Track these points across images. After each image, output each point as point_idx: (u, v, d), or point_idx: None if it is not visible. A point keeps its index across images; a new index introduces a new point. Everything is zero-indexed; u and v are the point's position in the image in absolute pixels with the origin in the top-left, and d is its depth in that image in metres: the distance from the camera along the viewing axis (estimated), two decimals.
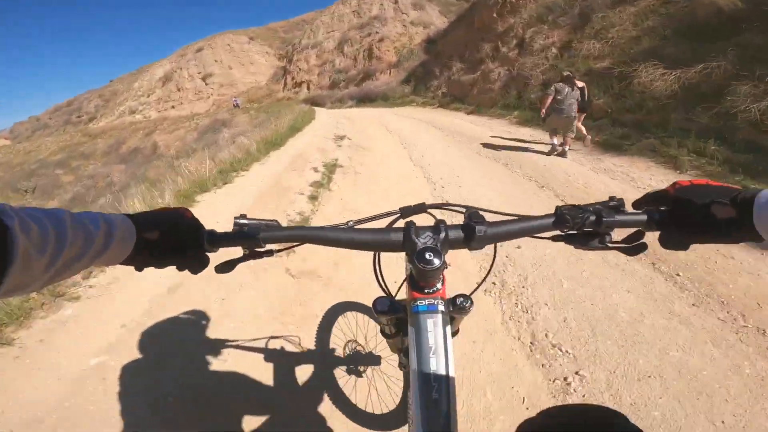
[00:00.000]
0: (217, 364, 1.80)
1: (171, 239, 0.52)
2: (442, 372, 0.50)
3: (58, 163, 23.52)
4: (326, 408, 1.54)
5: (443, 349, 0.52)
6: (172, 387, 1.68)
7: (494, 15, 13.74)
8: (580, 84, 5.72)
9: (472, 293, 0.66)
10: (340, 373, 1.69)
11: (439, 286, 0.57)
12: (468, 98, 13.23)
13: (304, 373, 1.72)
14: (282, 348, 1.89)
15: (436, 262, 0.53)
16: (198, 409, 1.57)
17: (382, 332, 0.76)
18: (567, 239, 0.59)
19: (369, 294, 1.18)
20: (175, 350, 1.89)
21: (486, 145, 6.73)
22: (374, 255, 0.74)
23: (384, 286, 0.74)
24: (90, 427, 1.52)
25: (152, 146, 22.00)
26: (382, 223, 0.66)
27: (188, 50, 41.73)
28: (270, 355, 1.84)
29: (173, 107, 35.95)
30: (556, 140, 5.72)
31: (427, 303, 0.55)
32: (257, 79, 36.95)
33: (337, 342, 1.76)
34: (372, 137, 8.40)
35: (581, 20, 9.48)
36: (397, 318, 0.66)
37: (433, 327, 0.53)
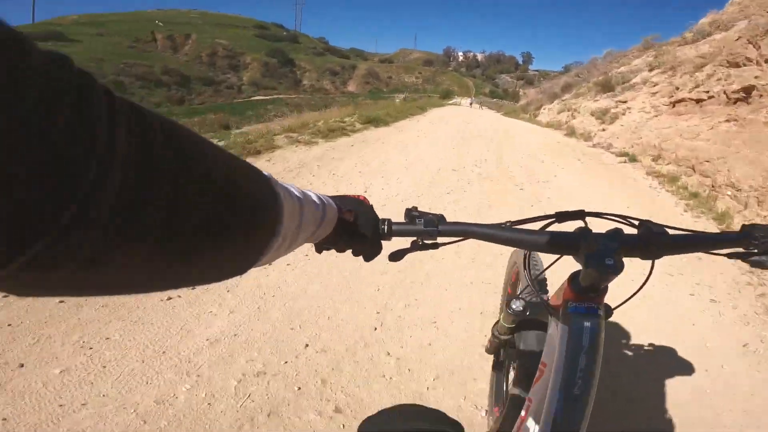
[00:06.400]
0: None
1: (362, 223, 0.53)
2: (590, 371, 0.53)
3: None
4: None
5: (595, 351, 0.54)
6: None
7: None
8: None
9: (617, 306, 0.67)
10: None
11: (602, 291, 0.58)
12: None
13: None
14: None
15: (614, 268, 0.52)
16: None
17: (494, 334, 0.95)
18: (744, 257, 0.58)
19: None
20: None
21: None
22: (525, 256, 0.78)
23: (535, 288, 0.78)
24: None
25: None
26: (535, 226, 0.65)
27: None
28: None
29: (684, 104, 6.00)
30: None
31: (586, 306, 0.57)
32: None
33: None
34: None
35: None
36: (520, 320, 0.81)
37: (590, 329, 0.55)
